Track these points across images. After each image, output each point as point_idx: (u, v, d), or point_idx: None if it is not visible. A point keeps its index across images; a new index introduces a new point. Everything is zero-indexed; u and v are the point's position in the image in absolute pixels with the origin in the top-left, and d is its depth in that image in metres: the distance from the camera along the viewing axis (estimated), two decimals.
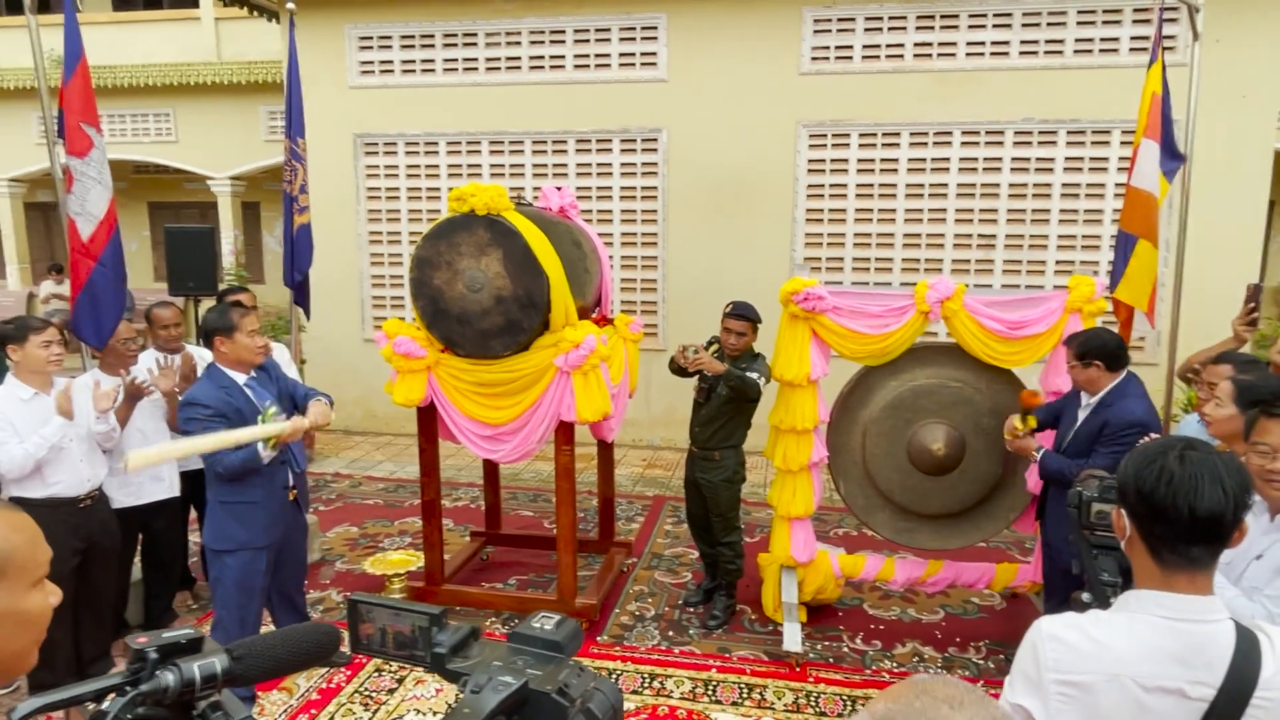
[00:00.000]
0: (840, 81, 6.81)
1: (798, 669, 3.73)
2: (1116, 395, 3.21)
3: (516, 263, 3.70)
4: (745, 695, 3.54)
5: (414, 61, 7.47)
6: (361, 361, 7.61)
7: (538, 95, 7.29)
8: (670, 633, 4.09)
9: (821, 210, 7.01)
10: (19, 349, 3.23)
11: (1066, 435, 3.39)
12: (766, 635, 4.07)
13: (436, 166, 7.58)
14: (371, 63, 7.54)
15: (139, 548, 4.03)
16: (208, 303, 6.43)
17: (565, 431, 3.94)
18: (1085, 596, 1.91)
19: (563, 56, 7.22)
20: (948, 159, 6.76)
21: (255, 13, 8.66)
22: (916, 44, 6.67)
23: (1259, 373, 2.67)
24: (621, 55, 7.13)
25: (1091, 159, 6.56)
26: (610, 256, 6.58)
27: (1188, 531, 1.28)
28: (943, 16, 6.60)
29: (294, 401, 3.47)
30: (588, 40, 7.16)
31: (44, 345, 3.25)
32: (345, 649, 1.07)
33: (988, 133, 6.67)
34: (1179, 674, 1.25)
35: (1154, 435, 3.03)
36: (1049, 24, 6.48)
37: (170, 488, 3.94)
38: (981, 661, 3.86)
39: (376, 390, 5.93)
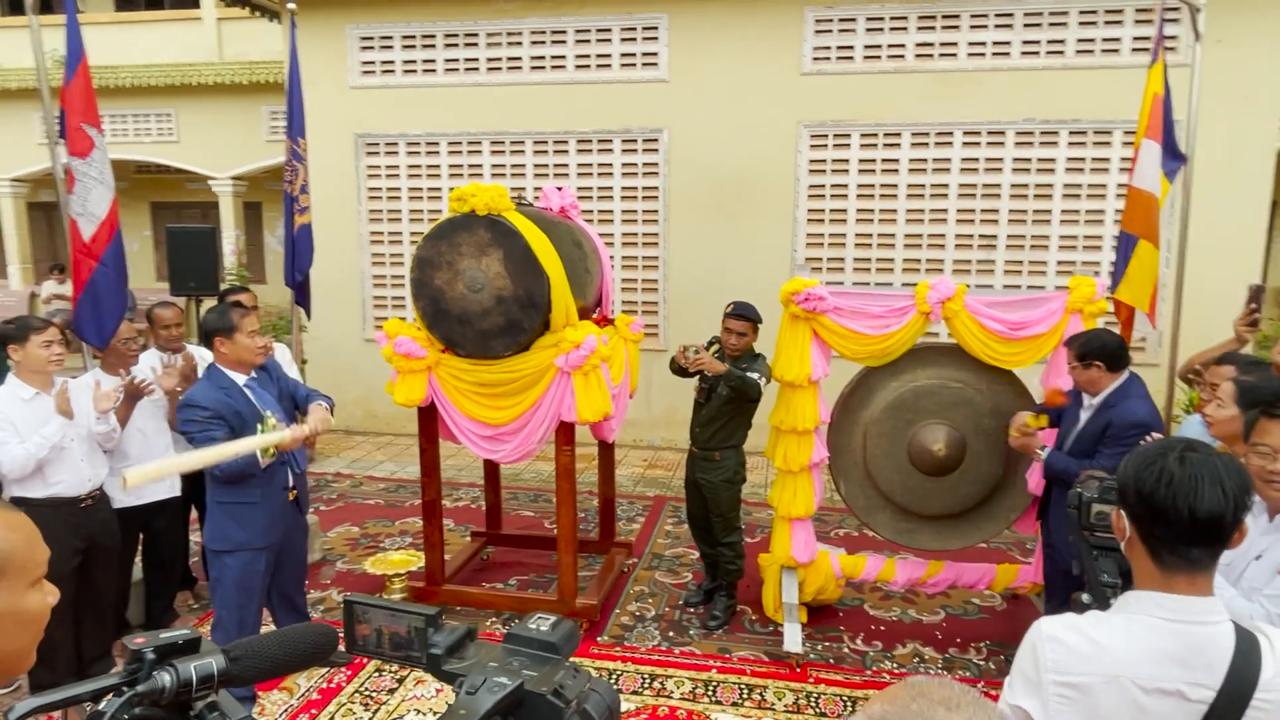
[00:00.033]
0: (841, 82, 6.80)
1: (798, 669, 3.73)
2: (1119, 396, 3.20)
3: (517, 263, 3.70)
4: (745, 696, 3.54)
5: (415, 62, 7.48)
6: (362, 361, 7.61)
7: (539, 95, 7.29)
8: (671, 633, 4.09)
9: (823, 210, 7.01)
10: (20, 349, 3.24)
11: (1068, 436, 3.38)
12: (767, 636, 4.07)
13: (437, 166, 7.58)
14: (373, 63, 7.54)
15: (140, 547, 4.03)
16: (209, 302, 6.43)
17: (566, 432, 3.94)
18: (1085, 598, 1.91)
19: (564, 57, 7.22)
20: (949, 159, 6.76)
21: (257, 13, 8.67)
22: (918, 44, 6.67)
23: (1262, 374, 2.66)
24: (623, 55, 7.13)
25: (1093, 159, 6.56)
26: (611, 257, 6.57)
27: (1187, 533, 1.27)
28: (944, 17, 6.60)
29: (294, 402, 3.48)
30: (589, 40, 7.16)
31: (45, 345, 3.25)
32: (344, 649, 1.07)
33: (989, 133, 6.67)
34: (1178, 675, 1.25)
35: (1156, 436, 3.03)
36: (1050, 24, 6.47)
37: (171, 487, 3.94)
38: (982, 662, 3.85)
39: (377, 390, 5.93)
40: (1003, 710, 1.36)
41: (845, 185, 6.94)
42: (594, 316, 4.36)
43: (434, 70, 7.44)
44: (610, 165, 7.29)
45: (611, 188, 7.32)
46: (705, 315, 5.42)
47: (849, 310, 3.78)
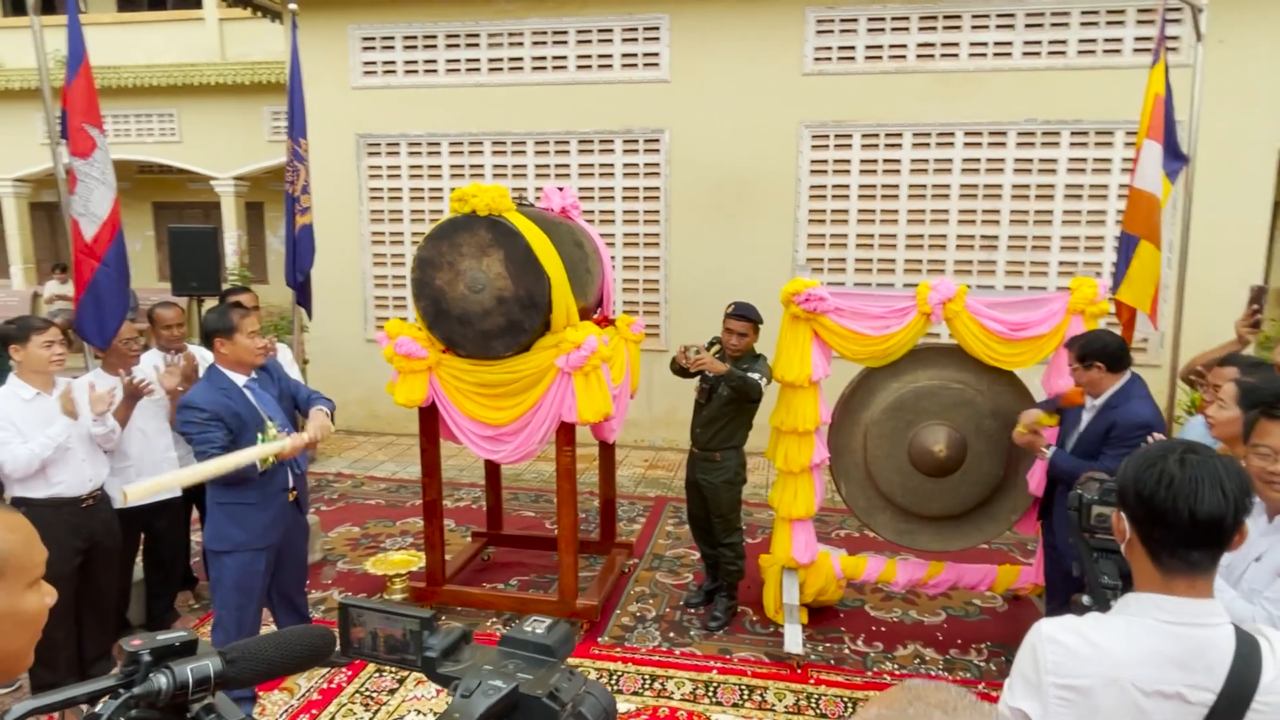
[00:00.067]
0: (843, 82, 6.80)
1: (799, 670, 3.73)
2: (1122, 397, 3.20)
3: (518, 263, 3.70)
4: (746, 697, 3.54)
5: (417, 62, 7.48)
6: (364, 361, 7.61)
7: (540, 96, 7.29)
8: (671, 634, 4.09)
9: (824, 211, 7.00)
10: (21, 349, 3.24)
11: (1070, 437, 3.38)
12: (768, 637, 4.06)
13: (439, 167, 7.58)
14: (374, 63, 7.55)
15: (141, 547, 4.04)
16: (211, 303, 6.44)
17: (566, 432, 3.94)
18: (1085, 599, 1.90)
19: (565, 57, 7.22)
20: (950, 160, 6.75)
21: (259, 13, 8.68)
22: (919, 44, 6.66)
23: (1264, 375, 2.66)
24: (624, 56, 7.13)
25: (1095, 160, 6.55)
26: (612, 257, 6.58)
27: (1188, 535, 1.27)
28: (946, 17, 6.59)
29: (295, 403, 3.48)
30: (590, 41, 7.16)
31: (46, 345, 3.26)
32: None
33: (991, 134, 6.66)
34: (1178, 678, 1.25)
35: (1159, 437, 3.03)
36: (1052, 24, 6.46)
37: (172, 488, 3.94)
38: (983, 663, 3.85)
39: (379, 390, 5.93)
40: (1002, 712, 1.35)
41: (847, 186, 6.94)
42: (595, 317, 4.35)
43: (435, 70, 7.45)
44: (611, 165, 7.29)
45: (613, 188, 7.32)
46: (706, 316, 5.42)
47: (850, 311, 3.77)
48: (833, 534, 5.39)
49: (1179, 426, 4.55)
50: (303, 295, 5.68)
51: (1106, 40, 6.40)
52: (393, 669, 3.64)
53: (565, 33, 7.16)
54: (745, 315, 4.02)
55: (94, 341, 3.89)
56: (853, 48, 6.76)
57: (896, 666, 3.82)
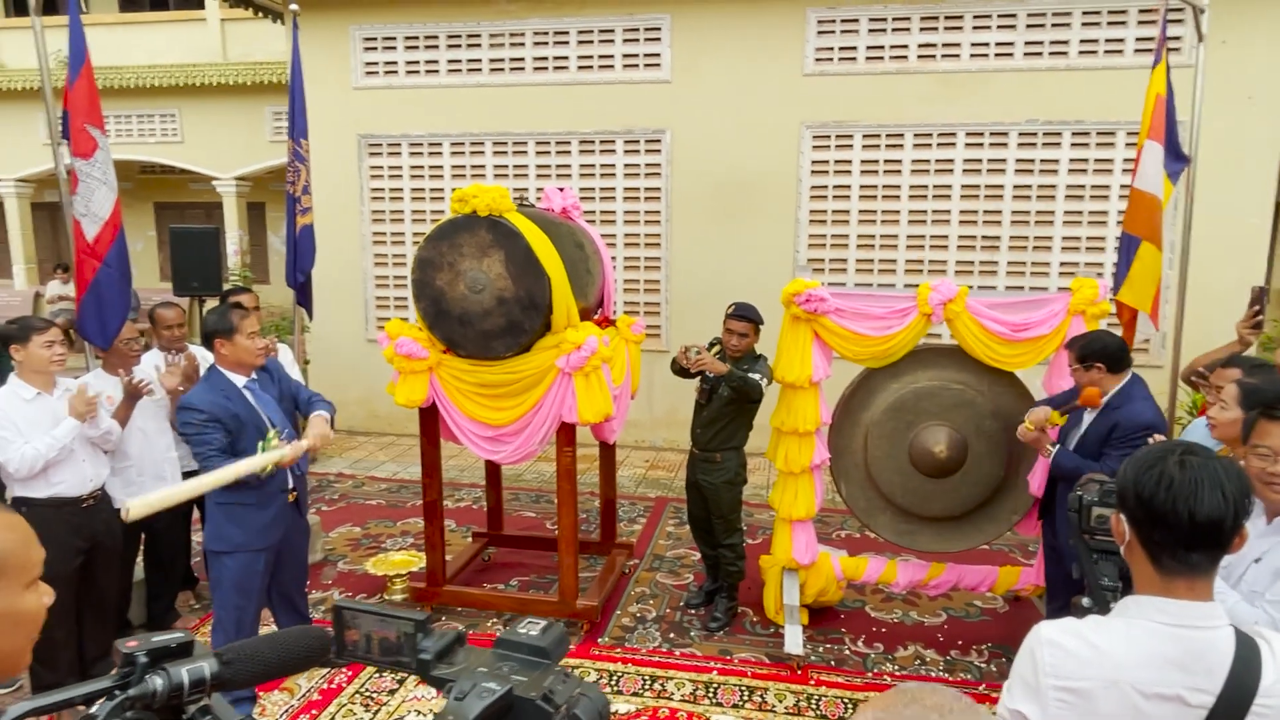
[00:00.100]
0: (844, 83, 6.79)
1: (799, 671, 3.73)
2: (1123, 398, 3.19)
3: (518, 264, 3.70)
4: (746, 697, 3.53)
5: (418, 62, 7.48)
6: (364, 362, 7.61)
7: (541, 96, 7.29)
8: (671, 634, 4.09)
9: (825, 211, 6.99)
10: (22, 349, 3.24)
11: (1071, 438, 3.37)
12: (768, 637, 4.06)
13: (440, 167, 7.59)
14: (376, 64, 7.55)
15: (141, 548, 4.04)
16: (212, 303, 6.45)
17: (567, 433, 3.94)
18: (1085, 601, 1.90)
19: (566, 58, 7.22)
20: (952, 160, 6.74)
21: (260, 14, 8.68)
22: (920, 45, 6.65)
23: (1266, 376, 2.65)
24: (625, 56, 7.13)
25: (1096, 160, 6.54)
26: (613, 257, 6.57)
27: (1187, 537, 1.27)
28: (947, 17, 6.58)
29: (295, 403, 3.48)
30: (591, 41, 7.15)
31: (47, 345, 3.26)
32: None
33: (992, 134, 6.65)
34: (1178, 680, 1.24)
35: (1160, 437, 3.02)
36: (1053, 25, 6.45)
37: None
38: (984, 665, 3.84)
39: (379, 390, 5.93)
40: (1001, 715, 1.35)
41: (848, 186, 6.93)
42: (595, 317, 4.35)
43: (437, 71, 7.45)
44: (612, 166, 7.29)
45: (614, 188, 7.32)
46: (707, 316, 5.42)
47: (850, 311, 3.77)
48: (833, 535, 5.38)
49: (1180, 428, 4.55)
50: (303, 295, 5.69)
51: (1108, 41, 6.39)
52: (392, 670, 3.65)
53: (566, 33, 7.16)
54: (746, 316, 4.02)
55: (95, 341, 3.90)
56: (854, 48, 6.76)
57: (897, 668, 3.82)
